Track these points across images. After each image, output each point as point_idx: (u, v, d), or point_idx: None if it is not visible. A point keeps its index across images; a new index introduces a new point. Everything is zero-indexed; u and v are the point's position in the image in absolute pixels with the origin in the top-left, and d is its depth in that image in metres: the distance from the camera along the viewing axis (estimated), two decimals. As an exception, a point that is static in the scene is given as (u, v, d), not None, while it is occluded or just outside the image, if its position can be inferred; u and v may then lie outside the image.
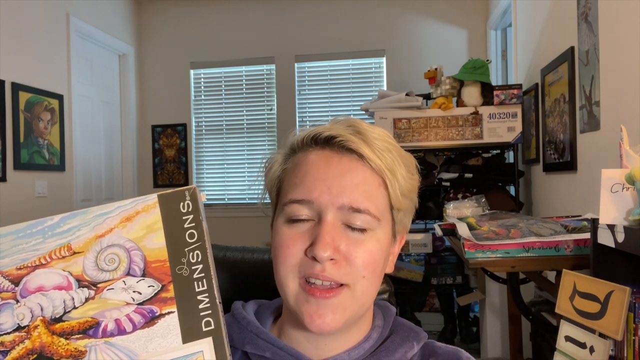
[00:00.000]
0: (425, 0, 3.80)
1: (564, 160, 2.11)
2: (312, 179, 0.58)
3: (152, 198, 0.48)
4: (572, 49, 2.01)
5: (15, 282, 0.46)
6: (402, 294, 3.05)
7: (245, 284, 0.85)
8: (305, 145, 0.61)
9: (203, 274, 0.47)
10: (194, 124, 4.19)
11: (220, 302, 0.48)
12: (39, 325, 0.45)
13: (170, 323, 0.46)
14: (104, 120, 3.85)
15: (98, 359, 0.45)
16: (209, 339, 0.46)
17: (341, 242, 0.56)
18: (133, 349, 0.45)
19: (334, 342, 0.61)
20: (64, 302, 0.46)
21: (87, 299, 0.46)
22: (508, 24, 3.34)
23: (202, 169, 4.19)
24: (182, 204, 0.48)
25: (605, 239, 1.01)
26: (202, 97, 4.18)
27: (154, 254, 0.47)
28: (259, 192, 0.67)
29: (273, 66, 4.05)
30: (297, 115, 4.01)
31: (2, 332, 0.45)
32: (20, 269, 0.46)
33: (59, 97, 3.20)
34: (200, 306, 0.47)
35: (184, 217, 0.48)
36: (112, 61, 3.97)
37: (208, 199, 4.14)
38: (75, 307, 0.46)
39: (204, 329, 0.46)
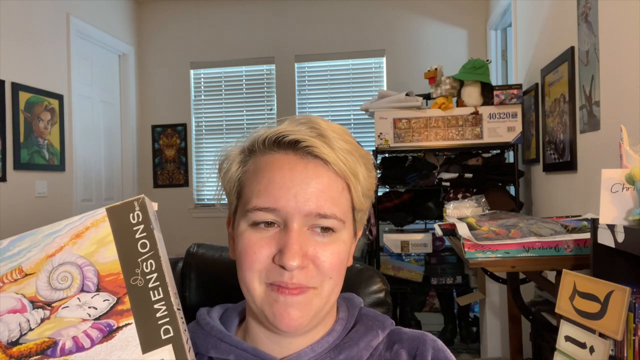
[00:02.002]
0: (425, 0, 3.80)
1: (564, 160, 2.11)
2: (277, 187, 0.57)
3: (101, 212, 0.48)
4: (572, 49, 2.01)
5: None
6: (402, 294, 3.05)
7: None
8: (266, 147, 0.60)
9: (158, 283, 0.47)
10: (194, 124, 4.19)
11: (179, 309, 0.48)
12: None
13: (129, 335, 0.46)
14: (104, 120, 3.85)
15: None
16: (169, 347, 0.46)
17: (309, 247, 0.57)
18: None
19: (298, 339, 0.62)
20: (19, 325, 0.46)
21: (42, 320, 0.46)
22: (508, 24, 3.34)
23: (202, 169, 4.19)
24: (131, 214, 0.48)
25: (605, 239, 1.01)
26: (202, 97, 4.18)
27: (107, 267, 0.47)
28: (214, 190, 0.66)
29: (273, 66, 4.05)
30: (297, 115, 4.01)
31: None
32: None
33: (59, 97, 3.20)
34: (158, 315, 0.46)
35: (134, 228, 0.48)
36: (112, 61, 3.97)
37: (208, 199, 4.14)
38: (31, 329, 0.46)
39: (163, 337, 0.46)
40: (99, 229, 0.47)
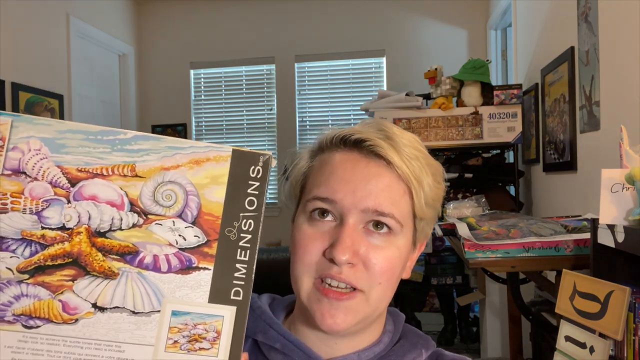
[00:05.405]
0: (425, 0, 3.80)
1: (564, 160, 2.11)
2: (337, 179, 0.58)
3: (227, 150, 0.47)
4: (572, 49, 2.01)
5: (73, 182, 0.45)
6: (402, 294, 3.05)
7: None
8: (333, 145, 0.61)
9: (249, 245, 0.46)
10: (194, 124, 4.19)
11: (252, 281, 0.48)
12: (82, 232, 0.45)
13: (203, 278, 0.46)
14: (104, 120, 3.84)
15: (127, 285, 0.45)
16: (233, 309, 0.46)
17: (361, 246, 0.56)
18: (162, 289, 0.46)
19: (344, 343, 0.61)
20: (112, 219, 0.46)
21: (134, 225, 0.46)
22: (508, 24, 3.34)
23: (202, 169, 4.19)
24: (252, 167, 0.47)
25: (605, 239, 1.01)
26: (202, 97, 4.18)
27: (210, 206, 0.47)
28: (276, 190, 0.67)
29: (273, 66, 4.05)
30: (297, 115, 4.01)
31: (47, 227, 0.45)
32: (80, 171, 0.46)
33: (59, 97, 3.20)
34: (236, 274, 0.46)
35: (250, 182, 0.47)
36: (112, 61, 3.97)
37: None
38: (120, 229, 0.46)
39: (232, 297, 0.46)
40: (218, 165, 0.47)
